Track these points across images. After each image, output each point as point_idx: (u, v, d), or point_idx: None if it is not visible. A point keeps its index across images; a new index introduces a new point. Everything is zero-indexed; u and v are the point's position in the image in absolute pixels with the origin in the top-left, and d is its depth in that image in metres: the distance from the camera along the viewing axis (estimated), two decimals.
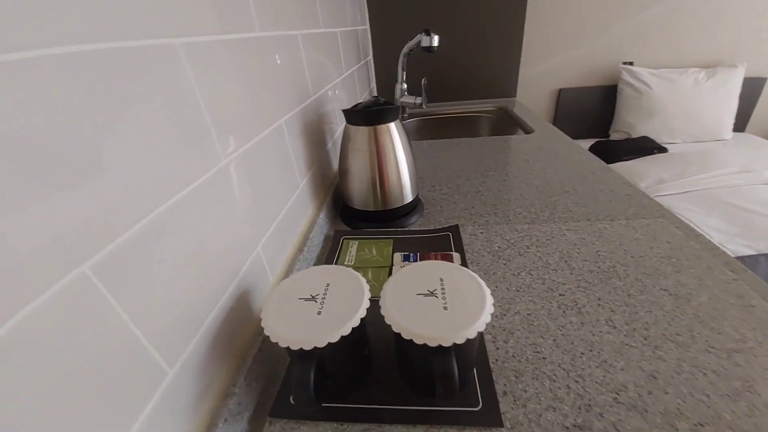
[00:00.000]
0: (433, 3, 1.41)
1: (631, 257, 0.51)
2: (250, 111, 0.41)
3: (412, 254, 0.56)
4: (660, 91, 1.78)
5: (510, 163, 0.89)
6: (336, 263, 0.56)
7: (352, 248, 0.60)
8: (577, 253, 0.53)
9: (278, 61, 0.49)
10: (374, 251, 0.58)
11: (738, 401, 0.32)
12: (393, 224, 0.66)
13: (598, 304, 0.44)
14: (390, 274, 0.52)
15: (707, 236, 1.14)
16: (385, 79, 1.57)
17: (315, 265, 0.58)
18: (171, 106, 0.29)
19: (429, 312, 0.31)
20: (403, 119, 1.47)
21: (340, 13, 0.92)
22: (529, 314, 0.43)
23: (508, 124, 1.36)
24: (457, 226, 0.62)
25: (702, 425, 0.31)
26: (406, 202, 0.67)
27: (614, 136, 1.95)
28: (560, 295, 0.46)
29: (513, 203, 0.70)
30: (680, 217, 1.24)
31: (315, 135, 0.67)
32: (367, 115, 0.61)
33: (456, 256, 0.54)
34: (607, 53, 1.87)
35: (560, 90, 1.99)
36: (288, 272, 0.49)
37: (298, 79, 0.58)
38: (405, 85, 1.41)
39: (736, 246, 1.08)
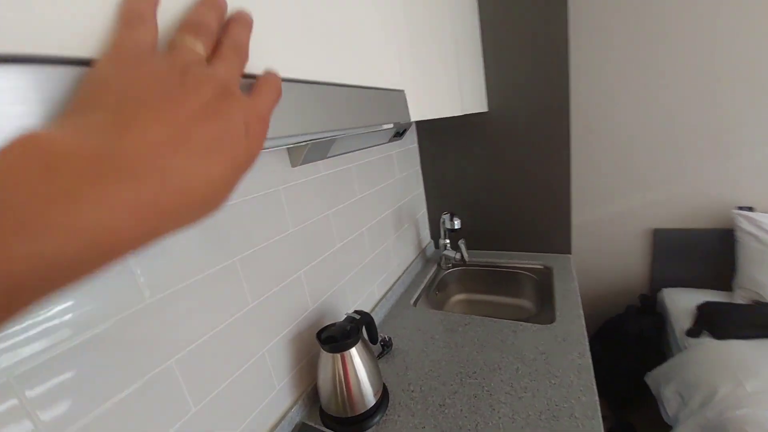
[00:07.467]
0: (479, 152, 1.52)
1: None
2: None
3: None
4: None
5: (496, 371, 0.89)
6: None
7: None
8: None
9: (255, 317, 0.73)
10: None
11: None
12: (352, 428, 0.78)
13: None
14: None
15: None
16: (437, 230, 1.74)
17: None
18: None
19: None
20: (447, 268, 1.58)
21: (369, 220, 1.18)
22: None
23: (548, 291, 1.30)
24: None
25: None
26: (363, 411, 0.78)
27: (739, 293, 1.53)
28: None
29: None
30: None
31: (310, 335, 0.87)
32: (329, 343, 0.78)
33: None
34: (714, 194, 1.59)
35: (655, 230, 1.74)
36: None
37: (290, 303, 0.81)
38: (448, 241, 1.55)
39: None
